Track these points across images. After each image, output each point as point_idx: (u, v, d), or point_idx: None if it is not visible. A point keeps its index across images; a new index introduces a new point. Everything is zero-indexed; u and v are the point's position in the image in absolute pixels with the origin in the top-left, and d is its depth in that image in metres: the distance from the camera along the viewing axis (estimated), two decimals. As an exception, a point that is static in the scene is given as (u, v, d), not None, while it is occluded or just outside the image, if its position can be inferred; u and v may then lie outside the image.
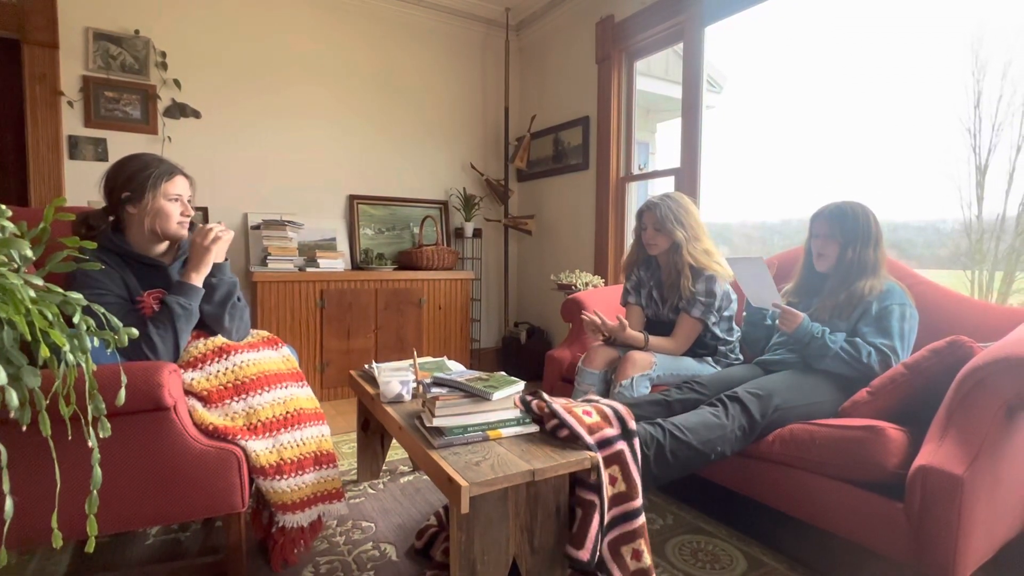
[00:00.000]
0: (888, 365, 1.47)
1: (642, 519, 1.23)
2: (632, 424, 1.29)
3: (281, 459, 1.33)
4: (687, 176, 2.69)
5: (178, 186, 1.48)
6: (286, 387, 1.43)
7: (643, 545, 1.21)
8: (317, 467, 1.40)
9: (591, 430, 1.24)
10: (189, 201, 1.52)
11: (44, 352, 0.71)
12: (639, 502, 1.23)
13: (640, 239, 2.03)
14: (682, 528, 1.62)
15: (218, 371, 1.35)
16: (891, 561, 1.22)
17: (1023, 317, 1.51)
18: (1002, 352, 1.16)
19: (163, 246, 1.51)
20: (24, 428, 0.76)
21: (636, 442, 1.27)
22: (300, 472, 1.35)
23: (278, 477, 1.31)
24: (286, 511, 1.32)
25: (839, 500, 1.29)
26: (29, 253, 0.75)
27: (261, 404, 1.34)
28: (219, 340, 1.40)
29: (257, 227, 3.02)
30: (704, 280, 1.88)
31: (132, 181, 1.41)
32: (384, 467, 2.03)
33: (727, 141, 2.79)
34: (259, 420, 1.32)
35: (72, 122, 2.69)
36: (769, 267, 1.65)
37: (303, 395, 1.47)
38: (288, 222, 2.98)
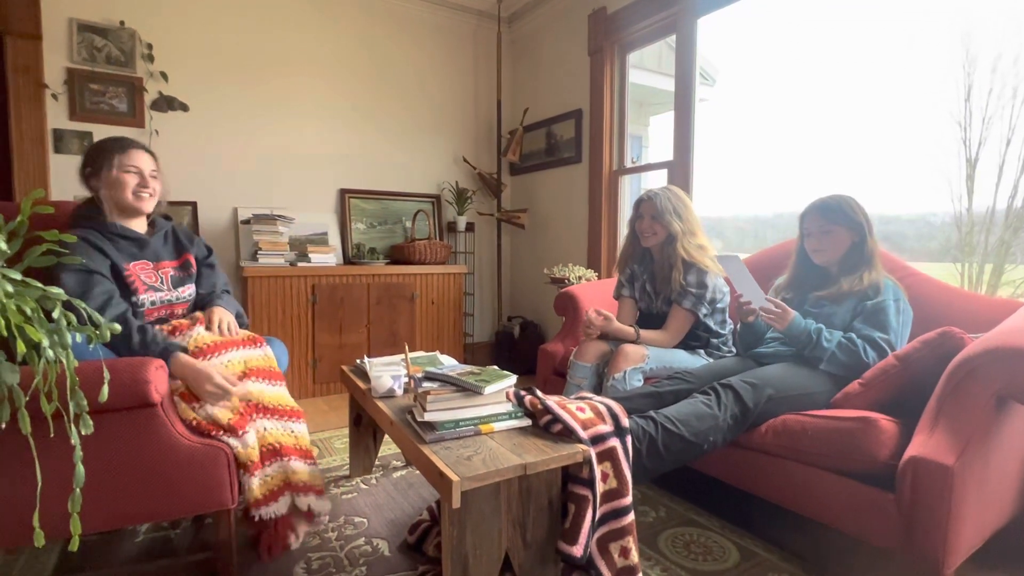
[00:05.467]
0: (884, 358, 1.47)
1: (631, 516, 1.22)
2: (625, 421, 1.28)
3: (255, 457, 1.32)
4: (680, 169, 2.68)
5: (134, 158, 1.52)
6: (245, 384, 1.40)
7: (631, 543, 1.21)
8: (277, 458, 1.38)
9: (584, 426, 1.23)
10: (153, 176, 1.55)
11: (21, 348, 0.69)
12: (629, 499, 1.23)
13: (635, 230, 2.03)
14: (675, 520, 1.62)
15: None
16: (883, 551, 1.22)
17: (1012, 308, 1.51)
18: (992, 343, 1.16)
19: (137, 221, 1.56)
20: (3, 426, 0.74)
21: (628, 439, 1.27)
22: (263, 466, 1.35)
23: (250, 475, 1.30)
24: (257, 507, 1.31)
25: (831, 491, 1.30)
26: (3, 246, 0.73)
27: (215, 410, 1.32)
28: (192, 344, 1.38)
29: (247, 221, 2.99)
30: (696, 272, 1.88)
31: (93, 158, 1.50)
32: (377, 462, 2.02)
33: (720, 134, 2.78)
34: (222, 423, 1.30)
35: (57, 115, 2.64)
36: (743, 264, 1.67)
37: (269, 392, 1.45)
38: (279, 216, 2.94)
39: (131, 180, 1.50)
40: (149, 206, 1.55)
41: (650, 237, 1.97)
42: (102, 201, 1.49)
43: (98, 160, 1.49)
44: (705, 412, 1.44)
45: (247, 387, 1.39)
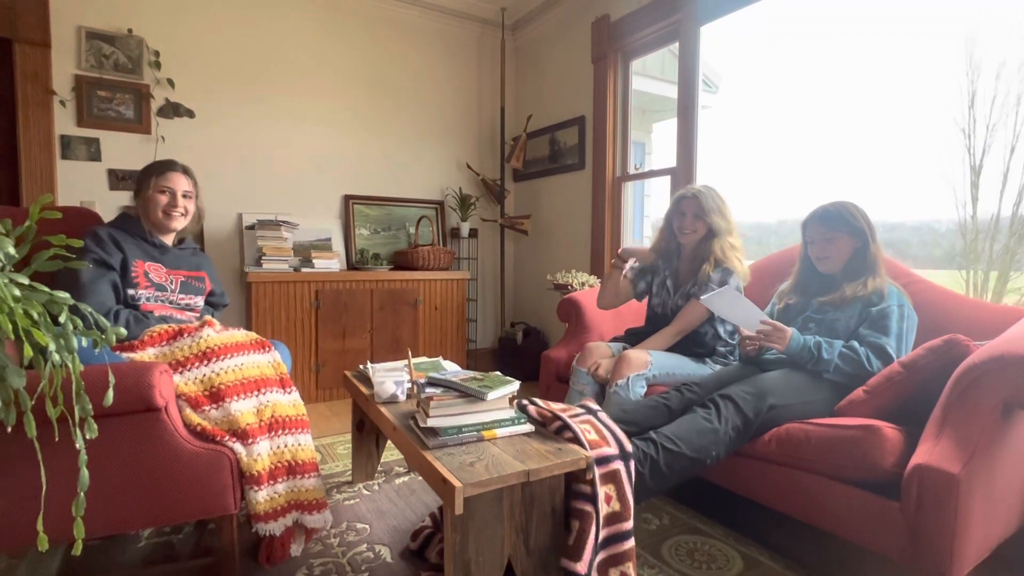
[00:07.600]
0: (888, 365, 1.46)
1: (631, 542, 1.22)
2: (629, 447, 1.28)
3: (259, 468, 1.31)
4: (683, 176, 2.69)
5: (169, 179, 1.69)
6: (266, 393, 1.41)
7: (631, 568, 1.21)
8: (291, 476, 1.38)
9: (590, 446, 1.23)
10: (186, 196, 1.72)
11: (27, 351, 0.70)
12: (630, 524, 1.22)
13: (670, 227, 2.02)
14: (678, 528, 1.62)
15: (196, 377, 1.33)
16: (888, 560, 1.21)
17: (1018, 316, 1.51)
18: (998, 350, 1.15)
19: (168, 237, 1.74)
20: (9, 429, 0.74)
21: (632, 464, 1.26)
22: (273, 482, 1.34)
23: (255, 487, 1.29)
24: (258, 520, 1.30)
25: (835, 499, 1.29)
26: (12, 251, 0.73)
27: (239, 410, 1.32)
28: (203, 344, 1.38)
29: (252, 227, 3.01)
30: (721, 271, 1.88)
31: (139, 180, 1.71)
32: (379, 468, 2.01)
33: (723, 141, 2.78)
34: (239, 427, 1.30)
35: (64, 122, 2.67)
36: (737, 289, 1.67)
37: (286, 401, 1.44)
38: (283, 222, 2.96)
39: (162, 200, 1.68)
40: (179, 224, 1.72)
41: (690, 234, 1.96)
42: (140, 216, 1.70)
43: (141, 182, 1.70)
44: (705, 427, 1.43)
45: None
